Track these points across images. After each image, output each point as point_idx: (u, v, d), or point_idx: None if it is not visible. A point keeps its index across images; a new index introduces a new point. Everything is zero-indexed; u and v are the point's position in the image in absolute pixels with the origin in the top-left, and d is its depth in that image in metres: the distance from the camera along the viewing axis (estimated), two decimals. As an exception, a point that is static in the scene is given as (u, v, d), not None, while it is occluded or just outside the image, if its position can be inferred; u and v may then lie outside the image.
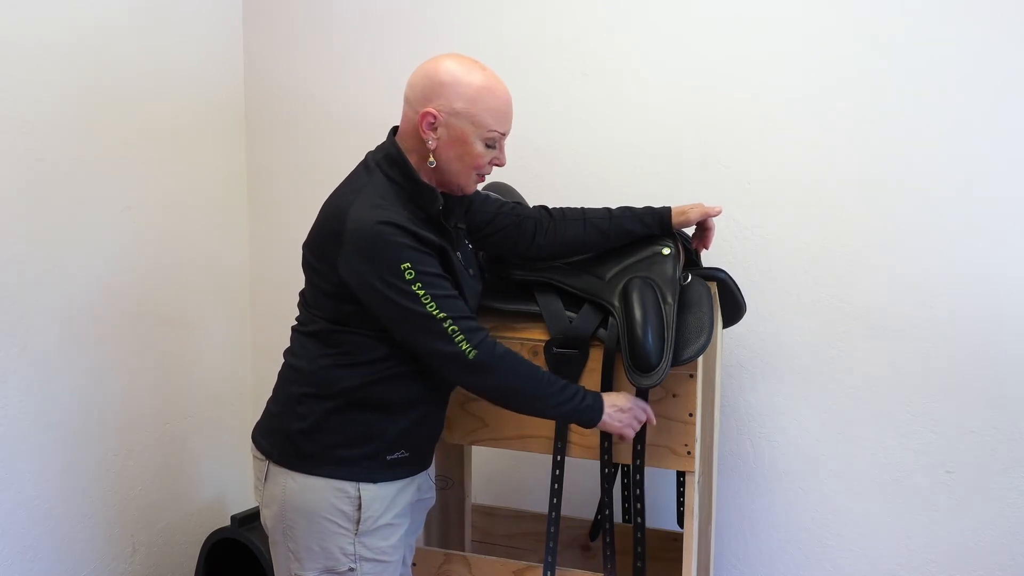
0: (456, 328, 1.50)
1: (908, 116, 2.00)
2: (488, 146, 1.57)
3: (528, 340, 1.78)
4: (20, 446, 2.00)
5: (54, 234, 2.04)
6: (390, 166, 1.57)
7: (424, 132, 1.54)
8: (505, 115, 1.57)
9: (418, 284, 1.48)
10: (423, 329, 1.50)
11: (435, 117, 1.53)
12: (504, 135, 1.59)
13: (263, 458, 1.63)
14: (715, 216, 1.81)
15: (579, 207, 1.83)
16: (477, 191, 1.80)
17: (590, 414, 1.61)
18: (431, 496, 1.79)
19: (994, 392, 2.00)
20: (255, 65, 2.56)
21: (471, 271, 1.67)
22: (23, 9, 1.93)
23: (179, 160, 2.37)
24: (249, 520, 2.29)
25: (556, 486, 1.77)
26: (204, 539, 2.37)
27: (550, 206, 1.84)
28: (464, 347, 1.50)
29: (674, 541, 2.02)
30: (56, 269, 2.05)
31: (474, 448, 2.17)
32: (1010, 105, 1.94)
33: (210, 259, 2.50)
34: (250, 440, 1.69)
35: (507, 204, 1.81)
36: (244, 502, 2.55)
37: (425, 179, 1.57)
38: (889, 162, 2.02)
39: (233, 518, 2.32)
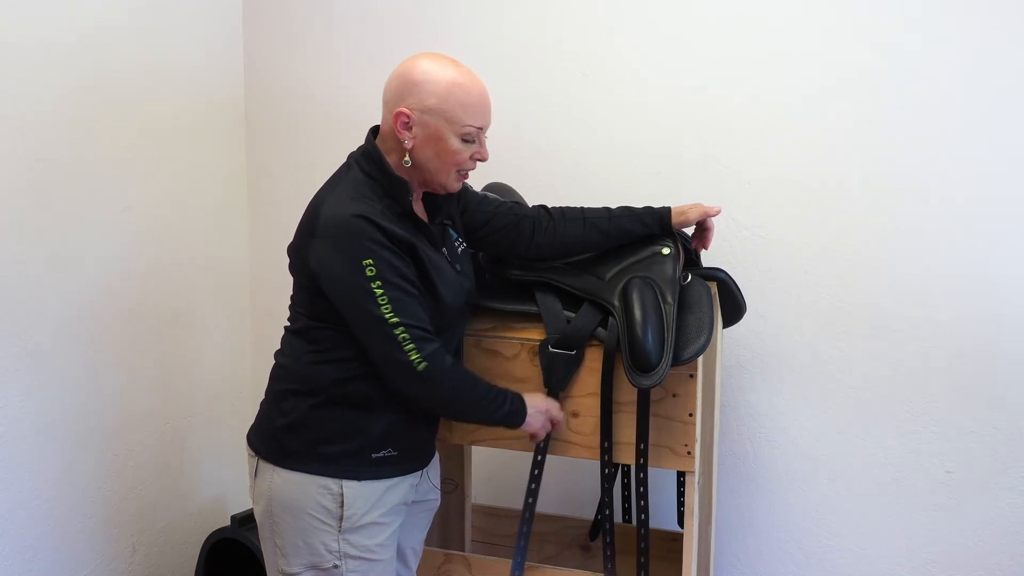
0: (407, 336, 1.48)
1: (908, 116, 2.00)
2: (465, 141, 1.56)
3: (527, 340, 1.78)
4: (20, 446, 2.00)
5: (54, 234, 2.04)
6: (367, 162, 1.58)
7: (399, 132, 1.55)
8: (478, 109, 1.56)
9: (377, 283, 1.47)
10: (374, 330, 1.49)
11: (408, 116, 1.53)
12: (481, 129, 1.58)
13: (253, 455, 1.64)
14: (714, 216, 1.81)
15: (578, 207, 1.82)
16: (475, 191, 1.80)
17: (515, 418, 1.63)
18: (435, 498, 1.79)
19: (994, 392, 2.00)
20: (255, 65, 2.56)
21: (458, 267, 1.67)
22: (23, 9, 1.93)
23: (179, 160, 2.37)
24: (249, 520, 2.28)
25: (533, 486, 1.77)
26: (204, 539, 2.37)
27: (549, 206, 1.84)
28: (413, 356, 1.49)
29: (674, 541, 2.02)
30: (56, 269, 2.05)
31: (474, 448, 2.17)
32: (1010, 105, 1.94)
33: (210, 259, 2.50)
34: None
35: (505, 204, 1.80)
36: (244, 502, 2.55)
37: (404, 178, 1.58)
38: (889, 162, 2.02)
39: (233, 518, 2.32)
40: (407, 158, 1.56)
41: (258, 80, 2.57)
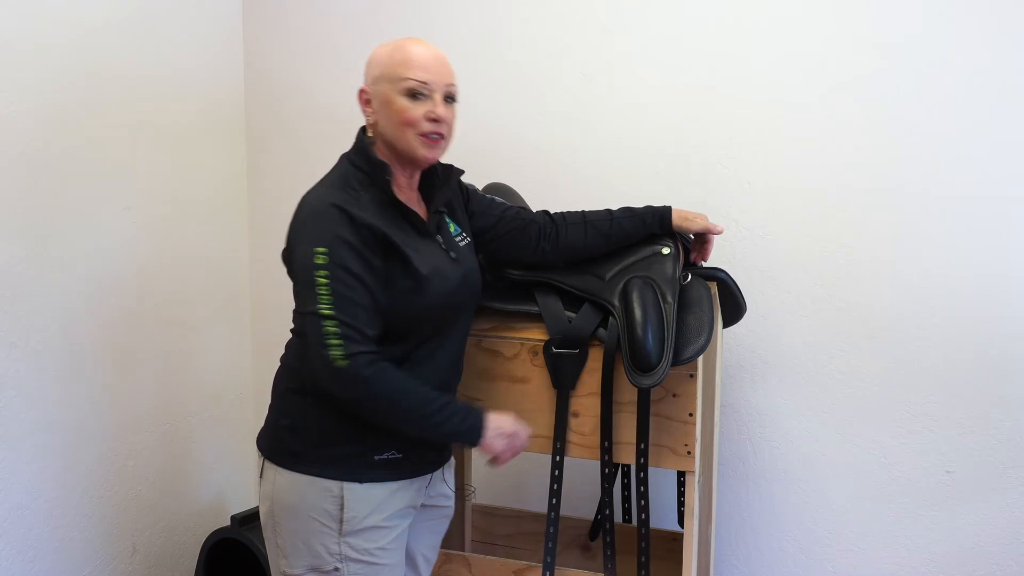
0: (336, 332, 1.44)
1: (908, 117, 2.00)
2: (411, 98, 1.54)
3: (528, 340, 1.78)
4: (20, 446, 2.00)
5: (54, 234, 2.04)
6: (355, 153, 1.60)
7: (364, 111, 1.59)
8: (417, 62, 1.54)
9: (323, 272, 1.45)
10: (307, 318, 1.46)
11: (366, 91, 1.58)
12: (426, 84, 1.54)
13: (260, 455, 1.64)
14: (716, 235, 1.81)
15: (579, 211, 1.83)
16: (482, 195, 1.80)
17: (469, 436, 1.56)
18: (449, 504, 1.75)
19: (994, 392, 2.00)
20: (255, 65, 2.56)
21: (453, 254, 1.63)
22: (24, 8, 1.94)
23: (179, 160, 2.37)
24: (249, 520, 2.29)
25: (555, 486, 1.77)
26: (204, 539, 2.37)
27: (551, 209, 1.85)
28: (334, 353, 1.44)
29: (674, 541, 2.02)
30: (56, 269, 2.05)
31: (474, 448, 2.17)
32: (1010, 107, 1.94)
33: (210, 259, 2.50)
34: (254, 440, 1.70)
35: (511, 209, 1.80)
36: (244, 502, 2.55)
37: (388, 161, 1.59)
38: (889, 162, 2.03)
39: (233, 518, 2.32)
40: (370, 134, 1.59)
41: (258, 80, 2.57)
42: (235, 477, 2.61)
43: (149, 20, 2.25)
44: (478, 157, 2.30)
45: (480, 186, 1.96)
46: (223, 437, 2.58)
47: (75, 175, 2.08)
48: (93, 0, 2.10)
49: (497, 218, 1.78)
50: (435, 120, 1.55)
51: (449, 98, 1.57)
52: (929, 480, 2.07)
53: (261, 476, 1.63)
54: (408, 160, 1.59)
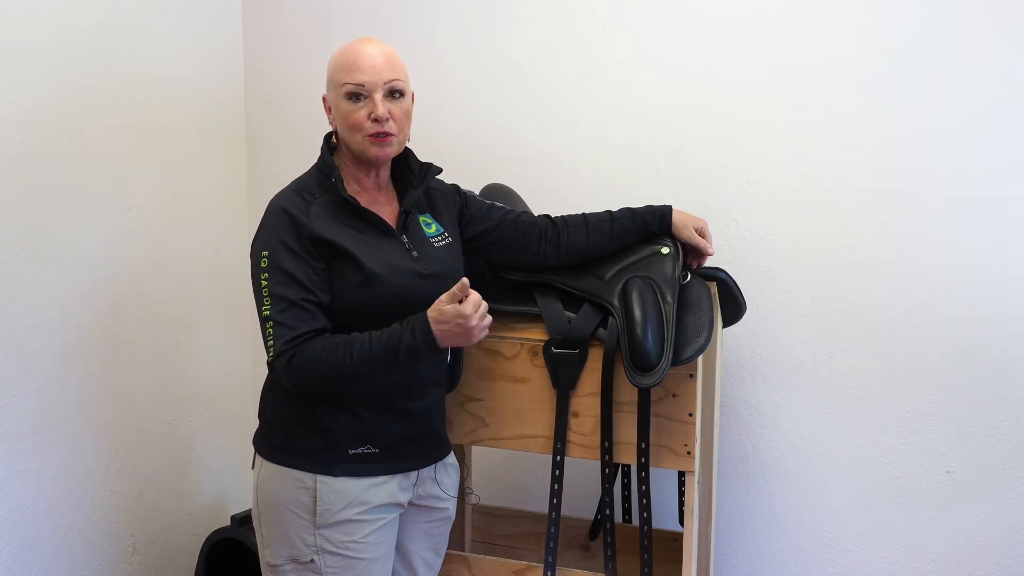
0: (272, 330, 1.51)
1: (908, 117, 2.00)
2: (352, 100, 1.56)
3: (528, 340, 1.78)
4: (20, 446, 2.00)
5: (54, 234, 2.04)
6: (320, 156, 1.64)
7: (328, 116, 1.64)
8: (353, 65, 1.56)
9: (266, 275, 1.53)
10: (259, 317, 1.54)
11: (325, 98, 1.63)
12: (360, 85, 1.55)
13: (254, 449, 1.68)
14: (707, 255, 1.84)
15: (580, 213, 1.83)
16: (480, 200, 1.80)
17: (426, 350, 1.49)
18: (444, 507, 1.74)
19: (994, 392, 2.00)
20: (255, 65, 2.56)
21: (415, 254, 1.62)
22: (24, 9, 1.93)
23: (179, 160, 2.37)
24: (249, 520, 2.27)
25: (556, 486, 1.77)
26: (204, 539, 2.37)
27: (552, 209, 1.85)
28: (270, 353, 1.51)
29: (674, 541, 2.02)
30: (56, 269, 2.05)
31: (474, 448, 2.17)
32: (1010, 107, 1.94)
33: (210, 259, 2.50)
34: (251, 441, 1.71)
35: (512, 212, 1.80)
36: (244, 502, 2.55)
37: (350, 162, 1.63)
38: (889, 162, 2.03)
39: (233, 518, 2.32)
40: (334, 139, 1.64)
41: (258, 80, 2.56)
42: (235, 477, 2.61)
43: (149, 20, 2.25)
44: (478, 157, 2.30)
45: (479, 187, 1.96)
46: (223, 437, 2.58)
47: (75, 175, 2.08)
48: (93, 1, 2.10)
49: (497, 221, 1.78)
50: (377, 120, 1.56)
51: (394, 93, 1.58)
52: (929, 480, 2.07)
53: (253, 468, 1.66)
54: (366, 161, 1.61)
